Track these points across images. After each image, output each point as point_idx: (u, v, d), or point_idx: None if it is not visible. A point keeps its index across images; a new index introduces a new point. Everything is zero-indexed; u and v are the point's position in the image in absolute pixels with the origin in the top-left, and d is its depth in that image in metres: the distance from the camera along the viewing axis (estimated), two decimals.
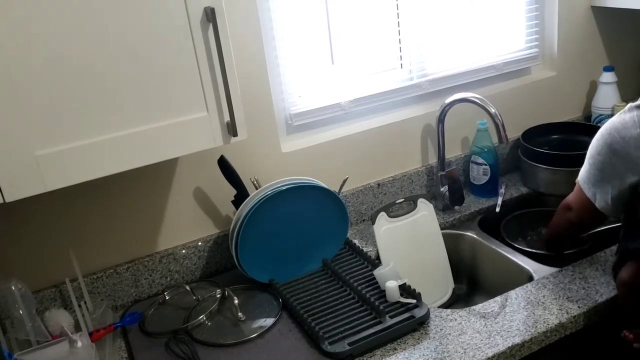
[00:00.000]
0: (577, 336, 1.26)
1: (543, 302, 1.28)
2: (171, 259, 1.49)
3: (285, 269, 1.43)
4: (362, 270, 1.41)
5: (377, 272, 1.32)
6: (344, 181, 1.53)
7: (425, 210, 1.55)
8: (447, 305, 1.54)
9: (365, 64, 1.66)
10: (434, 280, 1.55)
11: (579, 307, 1.26)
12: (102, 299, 1.43)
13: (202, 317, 1.33)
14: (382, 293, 1.31)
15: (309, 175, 1.46)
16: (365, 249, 1.50)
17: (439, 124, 1.68)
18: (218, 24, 1.07)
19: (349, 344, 1.17)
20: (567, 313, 1.24)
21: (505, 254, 1.54)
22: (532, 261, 1.48)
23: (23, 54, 0.96)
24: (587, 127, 1.88)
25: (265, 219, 1.36)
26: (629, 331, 1.20)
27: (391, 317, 1.23)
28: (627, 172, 1.15)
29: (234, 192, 1.45)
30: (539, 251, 1.53)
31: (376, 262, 1.43)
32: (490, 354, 1.15)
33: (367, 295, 1.29)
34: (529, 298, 1.30)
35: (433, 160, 1.80)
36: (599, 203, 1.22)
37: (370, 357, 1.18)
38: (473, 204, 1.76)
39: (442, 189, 1.72)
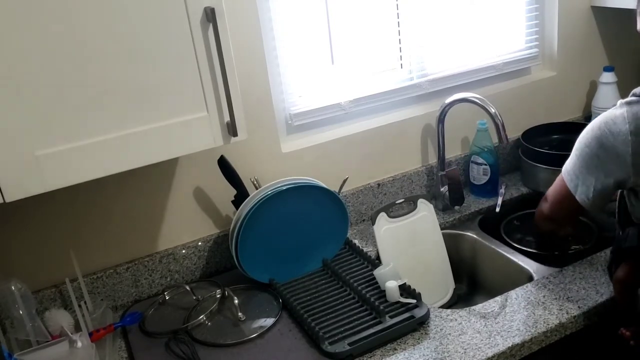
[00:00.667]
0: (577, 336, 1.26)
1: (543, 302, 1.28)
2: (171, 259, 1.49)
3: (285, 269, 1.43)
4: (362, 270, 1.41)
5: (377, 272, 1.32)
6: (344, 181, 1.53)
7: (425, 210, 1.55)
8: (448, 306, 1.54)
9: (365, 64, 1.66)
10: (435, 281, 1.55)
11: (579, 307, 1.25)
12: (102, 299, 1.43)
13: (202, 317, 1.33)
14: (382, 293, 1.31)
15: (309, 175, 1.46)
16: (365, 249, 1.50)
17: (439, 124, 1.68)
18: (218, 24, 1.07)
19: (349, 344, 1.17)
20: (567, 313, 1.24)
21: (506, 254, 1.54)
22: (532, 261, 1.48)
23: (23, 54, 0.96)
24: None
25: (265, 219, 1.36)
26: (625, 328, 1.20)
27: (391, 317, 1.23)
28: (613, 168, 1.15)
29: (234, 192, 1.45)
30: (539, 251, 1.53)
31: (376, 262, 1.43)
32: (490, 354, 1.15)
33: (367, 295, 1.29)
34: (529, 298, 1.30)
35: (433, 160, 1.79)
36: (579, 195, 1.21)
37: (370, 357, 1.18)
38: (473, 204, 1.76)
39: (442, 189, 1.72)
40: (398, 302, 1.27)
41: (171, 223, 1.49)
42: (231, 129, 1.15)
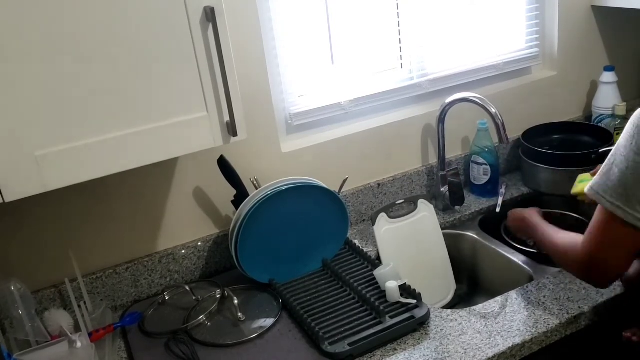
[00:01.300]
0: (577, 336, 1.26)
1: (543, 303, 1.28)
2: (171, 259, 1.49)
3: (285, 269, 1.42)
4: (362, 271, 1.41)
5: (377, 272, 1.32)
6: (344, 181, 1.53)
7: (425, 211, 1.55)
8: (449, 306, 1.54)
9: (365, 64, 1.66)
10: (436, 281, 1.54)
11: (579, 307, 1.25)
12: (102, 299, 1.43)
13: (202, 318, 1.33)
14: (382, 293, 1.30)
15: (309, 175, 1.46)
16: (365, 249, 1.50)
17: (439, 123, 1.68)
18: (218, 24, 1.07)
19: (349, 344, 1.17)
20: (568, 313, 1.24)
21: (506, 254, 1.54)
22: (532, 261, 1.48)
23: (23, 54, 0.96)
24: (588, 126, 1.88)
25: (265, 219, 1.36)
26: (630, 332, 1.19)
27: (391, 317, 1.23)
28: None
29: (234, 192, 1.45)
30: (539, 251, 1.53)
31: (376, 262, 1.43)
32: (490, 354, 1.15)
33: (367, 296, 1.29)
34: (529, 298, 1.30)
35: (433, 160, 1.79)
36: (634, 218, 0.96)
37: (371, 357, 1.18)
38: (473, 204, 1.76)
39: (442, 189, 1.72)
40: (398, 302, 1.27)
41: (171, 223, 1.49)
42: (231, 129, 1.15)
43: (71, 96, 1.01)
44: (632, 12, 1.92)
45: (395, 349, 1.19)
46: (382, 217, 1.49)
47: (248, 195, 1.39)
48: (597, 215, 1.04)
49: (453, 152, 1.83)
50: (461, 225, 1.70)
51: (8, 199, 1.00)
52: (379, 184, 1.72)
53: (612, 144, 1.67)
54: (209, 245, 1.53)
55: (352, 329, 1.22)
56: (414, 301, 1.27)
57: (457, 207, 1.73)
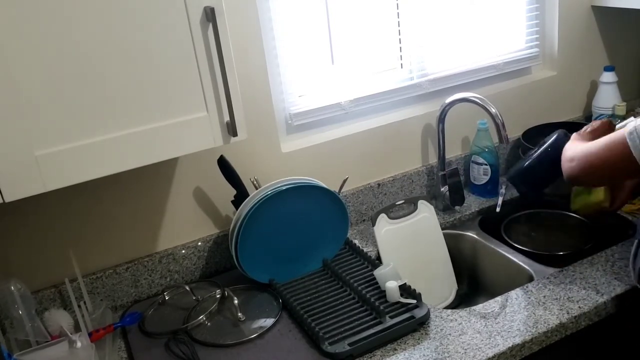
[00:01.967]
0: (577, 336, 1.26)
1: (544, 303, 1.28)
2: (171, 259, 1.49)
3: (285, 269, 1.42)
4: (362, 271, 1.41)
5: (377, 272, 1.32)
6: (344, 181, 1.53)
7: (426, 211, 1.55)
8: (451, 307, 1.54)
9: (365, 64, 1.66)
10: (437, 282, 1.54)
11: (579, 307, 1.25)
12: (102, 299, 1.43)
13: (202, 318, 1.33)
14: (382, 293, 1.30)
15: (309, 175, 1.46)
16: (365, 249, 1.50)
17: (439, 123, 1.68)
18: (218, 24, 1.07)
19: (349, 344, 1.17)
20: (568, 313, 1.24)
21: (506, 254, 1.54)
22: (532, 261, 1.48)
23: (23, 54, 0.96)
24: None
25: (265, 219, 1.36)
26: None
27: (391, 317, 1.23)
28: None
29: (234, 192, 1.45)
30: (539, 251, 1.53)
31: (376, 262, 1.43)
32: (490, 354, 1.15)
33: (367, 296, 1.29)
34: (529, 298, 1.30)
35: (433, 160, 1.79)
36: None
37: (371, 357, 1.18)
38: (473, 204, 1.76)
39: (442, 189, 1.72)
40: (398, 302, 1.27)
41: (171, 223, 1.49)
42: (231, 129, 1.15)
43: (71, 96, 1.01)
44: (632, 12, 1.92)
45: (395, 349, 1.19)
46: (382, 217, 1.49)
47: (248, 195, 1.39)
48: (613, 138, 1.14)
49: (453, 152, 1.83)
50: (461, 225, 1.70)
51: (8, 199, 1.00)
52: (379, 184, 1.72)
53: None
54: (209, 245, 1.53)
55: (352, 329, 1.22)
56: (414, 301, 1.27)
57: (457, 207, 1.73)
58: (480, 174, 1.76)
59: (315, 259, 1.46)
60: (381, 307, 1.24)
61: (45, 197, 1.27)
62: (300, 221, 1.41)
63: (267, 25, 1.47)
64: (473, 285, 1.69)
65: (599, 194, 1.37)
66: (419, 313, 1.24)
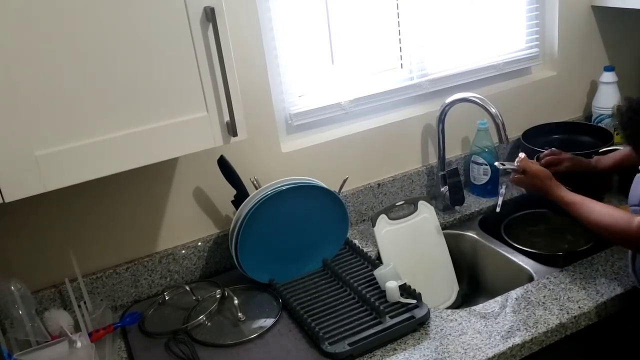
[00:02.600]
0: (577, 336, 1.26)
1: (543, 303, 1.28)
2: (171, 259, 1.49)
3: (285, 269, 1.42)
4: (362, 271, 1.41)
5: (377, 272, 1.32)
6: (344, 181, 1.53)
7: (426, 212, 1.55)
8: (452, 308, 1.54)
9: (365, 64, 1.66)
10: (438, 283, 1.54)
11: (579, 307, 1.25)
12: (102, 299, 1.43)
13: (202, 318, 1.33)
14: (382, 293, 1.30)
15: (309, 175, 1.46)
16: (365, 249, 1.50)
17: (439, 123, 1.68)
18: (218, 24, 1.07)
19: (349, 344, 1.17)
20: (568, 313, 1.24)
21: (506, 254, 1.54)
22: (532, 261, 1.48)
23: (23, 54, 0.96)
24: (588, 126, 1.88)
25: (265, 219, 1.36)
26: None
27: (391, 317, 1.23)
28: None
29: (234, 192, 1.45)
30: (539, 251, 1.53)
31: (376, 262, 1.43)
32: (490, 354, 1.15)
33: (367, 296, 1.29)
34: (529, 298, 1.30)
35: (433, 160, 1.79)
36: None
37: (371, 357, 1.18)
38: (473, 204, 1.76)
39: (442, 189, 1.72)
40: (398, 302, 1.27)
41: (171, 223, 1.49)
42: (231, 129, 1.15)
43: (71, 96, 1.01)
44: (632, 12, 1.92)
45: (395, 349, 1.19)
46: (382, 218, 1.49)
47: (248, 195, 1.39)
48: None
49: (453, 152, 1.83)
50: (461, 225, 1.70)
51: (8, 199, 1.00)
52: (379, 184, 1.72)
53: (612, 144, 1.69)
54: (209, 245, 1.53)
55: (352, 329, 1.22)
56: (414, 301, 1.27)
57: (457, 207, 1.73)
58: (480, 174, 1.76)
59: (315, 259, 1.46)
60: (381, 307, 1.24)
61: (45, 197, 1.26)
62: (300, 221, 1.41)
63: (267, 25, 1.47)
64: (473, 285, 1.69)
65: None
66: (419, 313, 1.24)
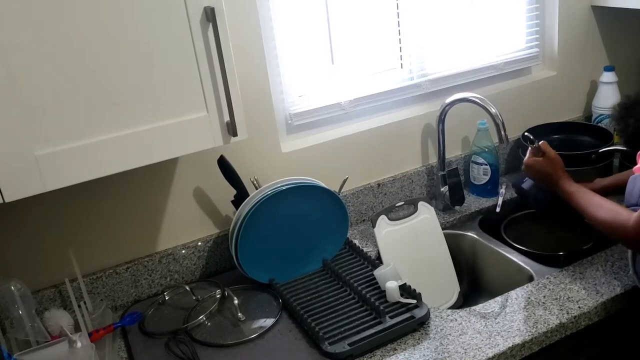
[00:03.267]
0: (577, 336, 1.26)
1: (544, 303, 1.28)
2: (171, 259, 1.49)
3: (285, 269, 1.42)
4: (362, 271, 1.41)
5: (378, 272, 1.32)
6: (344, 181, 1.53)
7: (426, 213, 1.55)
8: (454, 308, 1.54)
9: (365, 64, 1.66)
10: (439, 284, 1.54)
11: (579, 307, 1.25)
12: (102, 299, 1.43)
13: (202, 318, 1.33)
14: (382, 293, 1.30)
15: (309, 175, 1.46)
16: (365, 249, 1.50)
17: (439, 123, 1.68)
18: (218, 24, 1.07)
19: (349, 344, 1.17)
20: (568, 313, 1.24)
21: (506, 254, 1.54)
22: (532, 261, 1.48)
23: (23, 55, 0.96)
24: (588, 126, 1.88)
25: (265, 219, 1.36)
26: None
27: (391, 317, 1.23)
28: None
29: (234, 192, 1.45)
30: (539, 251, 1.53)
31: (376, 262, 1.43)
32: (490, 354, 1.15)
33: (367, 296, 1.29)
34: (529, 298, 1.30)
35: (433, 160, 1.79)
36: None
37: (371, 357, 1.18)
38: (473, 204, 1.76)
39: (442, 189, 1.72)
40: (398, 302, 1.27)
41: (171, 223, 1.49)
42: (231, 129, 1.15)
43: (71, 96, 1.01)
44: (632, 12, 1.92)
45: (395, 349, 1.19)
46: (383, 219, 1.49)
47: (248, 195, 1.39)
48: None
49: (453, 152, 1.83)
50: (461, 225, 1.70)
51: (8, 199, 1.00)
52: (379, 184, 1.72)
53: (612, 144, 1.69)
54: (209, 245, 1.53)
55: (352, 329, 1.22)
56: (414, 301, 1.27)
57: (457, 207, 1.73)
58: (480, 174, 1.76)
59: (315, 259, 1.46)
60: (381, 307, 1.24)
61: (45, 197, 1.27)
62: (300, 221, 1.41)
63: (267, 25, 1.47)
64: (473, 285, 1.69)
65: None
66: (419, 313, 1.24)
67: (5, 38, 0.94)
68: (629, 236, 1.17)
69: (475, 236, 1.64)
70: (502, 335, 1.20)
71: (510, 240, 1.59)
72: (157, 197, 1.46)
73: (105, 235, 1.42)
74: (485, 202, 1.76)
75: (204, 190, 1.51)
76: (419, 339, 1.21)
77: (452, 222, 1.70)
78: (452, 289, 1.57)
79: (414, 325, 1.23)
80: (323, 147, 1.62)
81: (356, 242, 1.57)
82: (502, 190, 1.67)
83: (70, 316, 1.28)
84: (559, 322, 1.22)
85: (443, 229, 1.60)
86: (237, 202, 1.44)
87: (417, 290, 1.28)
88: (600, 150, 1.63)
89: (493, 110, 1.51)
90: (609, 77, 1.90)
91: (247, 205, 1.36)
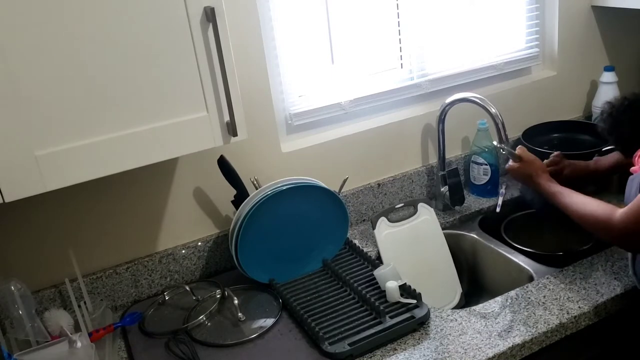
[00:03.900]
0: (577, 336, 1.26)
1: (543, 303, 1.28)
2: (171, 259, 1.49)
3: (285, 269, 1.42)
4: (362, 271, 1.41)
5: (378, 272, 1.32)
6: (344, 181, 1.53)
7: (426, 214, 1.54)
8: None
9: (365, 64, 1.66)
10: (441, 285, 1.54)
11: (579, 307, 1.25)
12: (102, 299, 1.43)
13: (202, 318, 1.33)
14: (382, 293, 1.30)
15: (309, 175, 1.46)
16: (365, 249, 1.50)
17: (439, 123, 1.68)
18: (218, 24, 1.07)
19: (349, 344, 1.17)
20: (568, 313, 1.24)
21: (506, 254, 1.54)
22: (532, 261, 1.48)
23: (23, 55, 0.96)
24: (588, 125, 1.88)
25: (265, 219, 1.36)
26: None
27: (391, 317, 1.23)
28: None
29: (234, 192, 1.45)
30: (539, 251, 1.53)
31: (376, 262, 1.43)
32: (490, 354, 1.15)
33: (367, 296, 1.29)
34: (529, 298, 1.30)
35: (433, 160, 1.79)
36: None
37: (371, 357, 1.18)
38: (473, 204, 1.76)
39: (442, 189, 1.72)
40: (398, 302, 1.27)
41: (171, 223, 1.49)
42: (231, 129, 1.15)
43: (71, 96, 1.01)
44: (632, 12, 1.92)
45: (395, 349, 1.19)
46: (382, 221, 1.49)
47: (248, 195, 1.39)
48: None
49: (453, 152, 1.83)
50: (461, 225, 1.70)
51: (8, 199, 1.00)
52: (379, 184, 1.72)
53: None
54: (209, 245, 1.53)
55: (352, 329, 1.22)
56: (414, 301, 1.27)
57: (457, 207, 1.73)
58: (480, 174, 1.76)
59: (315, 259, 1.46)
60: (381, 307, 1.24)
61: (45, 197, 1.27)
62: (300, 221, 1.41)
63: (267, 25, 1.47)
64: (473, 285, 1.69)
65: None
66: (419, 313, 1.24)
67: (5, 38, 0.94)
68: (614, 231, 1.16)
69: (475, 236, 1.64)
70: (502, 335, 1.20)
71: (510, 240, 1.59)
72: (157, 197, 1.46)
73: (105, 235, 1.42)
74: (485, 202, 1.76)
75: (204, 190, 1.51)
76: (419, 339, 1.21)
77: (452, 222, 1.70)
78: (454, 291, 1.56)
79: (414, 325, 1.23)
80: (323, 147, 1.62)
81: (356, 242, 1.57)
82: (502, 190, 1.67)
83: (70, 316, 1.28)
84: (559, 322, 1.22)
85: (443, 229, 1.60)
86: (237, 202, 1.44)
87: (415, 289, 1.28)
88: (601, 150, 1.63)
89: (493, 110, 1.51)
90: (609, 77, 1.90)
91: (247, 205, 1.36)
